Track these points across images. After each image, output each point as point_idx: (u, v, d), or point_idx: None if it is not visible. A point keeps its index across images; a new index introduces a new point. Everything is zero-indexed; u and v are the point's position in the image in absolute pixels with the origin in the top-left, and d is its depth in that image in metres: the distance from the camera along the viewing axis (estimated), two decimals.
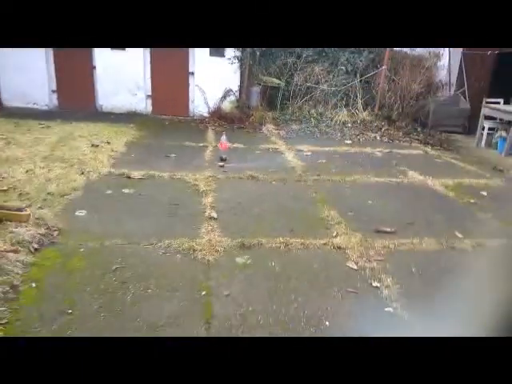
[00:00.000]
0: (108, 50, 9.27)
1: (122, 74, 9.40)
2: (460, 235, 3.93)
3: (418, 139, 8.96)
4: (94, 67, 9.45)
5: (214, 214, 4.12)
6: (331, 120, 9.93)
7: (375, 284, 3.01)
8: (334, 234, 3.82)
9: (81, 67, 9.44)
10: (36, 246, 3.16)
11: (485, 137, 8.90)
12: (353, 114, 10.28)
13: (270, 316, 2.61)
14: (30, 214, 3.47)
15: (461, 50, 10.79)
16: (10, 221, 3.33)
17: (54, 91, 9.58)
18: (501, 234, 4.02)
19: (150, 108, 9.76)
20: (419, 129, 9.88)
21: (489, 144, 8.79)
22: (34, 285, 2.73)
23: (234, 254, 3.38)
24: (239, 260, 3.28)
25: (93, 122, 7.99)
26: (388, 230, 3.95)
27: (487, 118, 8.93)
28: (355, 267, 3.24)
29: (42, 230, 3.40)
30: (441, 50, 11.01)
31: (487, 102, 9.04)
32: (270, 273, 3.13)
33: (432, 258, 3.47)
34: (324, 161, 6.56)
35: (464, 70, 10.59)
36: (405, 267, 3.30)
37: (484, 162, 7.17)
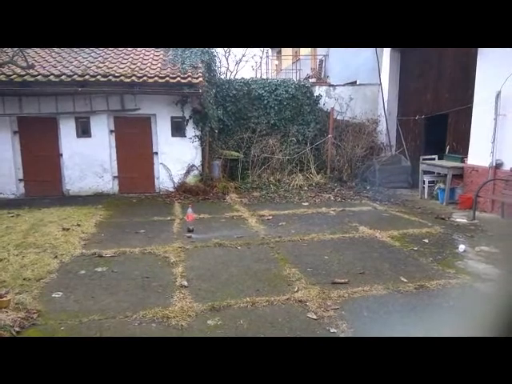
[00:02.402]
0: (74, 137, 9.86)
1: (88, 158, 9.92)
2: (404, 279, 4.47)
3: (367, 196, 9.88)
4: (61, 154, 9.94)
5: (185, 283, 4.46)
6: (288, 185, 10.77)
7: (333, 330, 3.41)
8: (296, 290, 4.24)
9: (47, 155, 9.89)
10: (17, 329, 3.35)
11: (426, 189, 9.95)
12: (307, 178, 11.21)
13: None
14: (10, 300, 3.67)
15: (395, 116, 12.36)
16: None
17: (20, 180, 9.87)
18: (439, 275, 4.60)
19: (116, 188, 10.19)
20: (368, 187, 10.89)
21: (431, 195, 9.81)
22: None
23: (206, 317, 3.70)
24: (210, 322, 3.60)
25: (61, 206, 8.28)
26: (342, 281, 4.43)
27: (426, 172, 10.07)
28: (315, 317, 3.65)
29: (22, 314, 3.59)
30: (378, 117, 12.53)
31: (424, 159, 10.25)
32: (239, 330, 3.46)
33: (381, 302, 3.95)
34: (284, 223, 7.13)
35: (401, 132, 12.04)
36: (358, 312, 3.74)
37: (427, 212, 8.02)
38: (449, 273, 4.67)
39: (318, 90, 12.57)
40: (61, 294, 4.17)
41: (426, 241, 5.96)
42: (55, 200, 8.98)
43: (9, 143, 9.69)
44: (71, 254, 5.37)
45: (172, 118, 10.09)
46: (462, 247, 5.51)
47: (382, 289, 4.22)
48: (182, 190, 10.07)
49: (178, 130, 10.18)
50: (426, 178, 10.00)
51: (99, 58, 10.21)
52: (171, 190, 10.23)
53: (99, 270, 4.89)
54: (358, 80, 14.02)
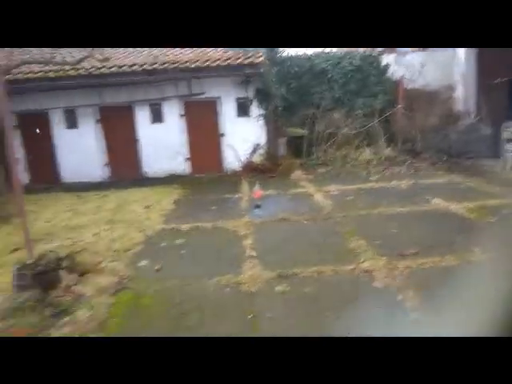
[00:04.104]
0: (148, 123, 10.61)
1: (162, 142, 10.63)
2: (478, 251, 4.28)
3: (443, 168, 9.32)
4: (137, 140, 10.78)
5: (254, 253, 4.73)
6: (355, 160, 10.53)
7: (400, 297, 3.44)
8: (362, 260, 4.29)
9: (126, 141, 10.79)
10: (113, 290, 3.89)
11: (509, 159, 9.11)
12: (376, 152, 10.84)
13: (308, 327, 3.11)
14: (105, 266, 4.25)
15: (474, 81, 11.33)
16: (92, 273, 4.11)
17: (106, 164, 10.93)
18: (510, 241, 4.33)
19: (188, 169, 10.83)
20: (444, 158, 10.23)
21: None
22: (115, 319, 3.41)
23: (274, 284, 3.94)
24: (278, 288, 3.83)
25: (141, 187, 9.08)
26: (411, 251, 4.37)
27: (509, 141, 9.20)
28: (381, 286, 3.69)
29: (116, 279, 4.15)
30: (453, 83, 11.59)
31: (507, 126, 9.36)
32: (305, 297, 3.64)
33: (449, 272, 3.85)
34: (351, 197, 7.09)
35: (480, 98, 11.04)
36: (424, 282, 3.71)
37: (508, 184, 7.40)
38: None
39: (386, 59, 11.93)
40: (146, 262, 4.69)
41: (505, 211, 5.56)
42: (135, 182, 9.84)
43: (93, 131, 10.73)
44: (153, 228, 5.94)
45: (236, 99, 10.36)
46: None
47: (452, 260, 4.10)
48: (249, 168, 10.38)
49: (242, 110, 10.44)
50: (510, 147, 9.15)
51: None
52: (238, 169, 10.60)
53: (178, 242, 5.37)
54: None
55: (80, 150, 10.66)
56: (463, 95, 11.31)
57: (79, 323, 3.24)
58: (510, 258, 3.94)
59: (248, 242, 5.18)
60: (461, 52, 11.29)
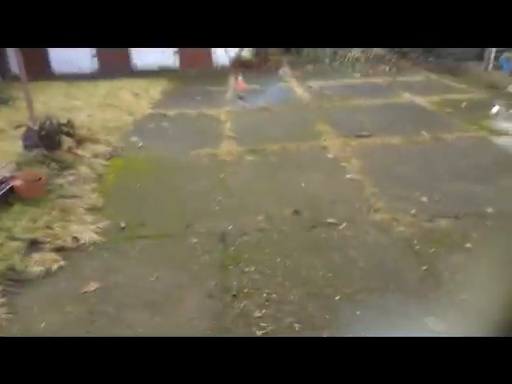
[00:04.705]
0: None
1: None
2: (425, 133, 4.94)
3: (425, 68, 9.54)
4: None
5: (232, 134, 5.37)
6: (344, 57, 10.61)
7: (343, 164, 4.19)
8: (323, 140, 4.96)
9: None
10: (108, 156, 4.59)
11: (492, 60, 9.31)
12: (364, 49, 10.86)
13: (267, 183, 3.89)
14: (100, 137, 4.89)
15: None
16: (88, 142, 4.76)
17: (94, 56, 10.92)
18: (459, 130, 4.98)
19: (177, 63, 10.88)
20: (431, 58, 10.35)
21: (496, 67, 9.21)
22: (111, 175, 4.17)
23: (245, 155, 4.64)
24: (248, 158, 4.55)
25: (131, 78, 9.30)
26: (365, 133, 5.02)
27: None
28: (332, 156, 4.42)
29: (110, 148, 4.82)
30: None
31: None
32: (270, 164, 4.37)
33: (395, 148, 4.56)
34: (329, 92, 7.51)
35: None
36: (369, 154, 4.43)
37: (482, 82, 7.78)
38: (470, 129, 5.02)
39: None
40: (136, 138, 5.33)
41: (464, 104, 6.11)
42: (125, 73, 9.99)
43: None
44: (142, 113, 6.47)
45: None
46: (495, 109, 5.64)
47: (399, 139, 4.78)
48: (237, 64, 10.47)
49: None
50: (491, 49, 9.27)
51: None
52: (227, 64, 10.69)
53: (164, 124, 5.96)
54: None
55: None
56: None
57: (81, 175, 3.99)
58: (446, 142, 4.63)
59: (227, 125, 5.78)
60: None
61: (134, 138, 5.33)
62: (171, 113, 6.49)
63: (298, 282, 2.53)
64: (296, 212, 3.37)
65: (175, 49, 10.71)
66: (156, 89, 8.19)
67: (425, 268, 2.60)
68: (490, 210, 3.26)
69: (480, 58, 10.24)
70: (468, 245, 2.83)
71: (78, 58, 10.75)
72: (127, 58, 10.83)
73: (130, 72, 10.49)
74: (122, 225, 3.26)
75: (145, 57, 10.73)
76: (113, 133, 5.47)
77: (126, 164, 4.51)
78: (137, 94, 7.49)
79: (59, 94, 7.70)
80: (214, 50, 10.73)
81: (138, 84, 8.63)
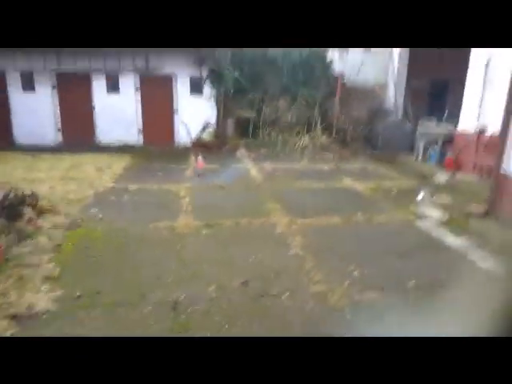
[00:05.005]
0: (105, 92, 11.14)
1: (117, 112, 11.23)
2: (360, 215, 5.63)
3: (364, 157, 10.82)
4: (94, 107, 11.29)
5: (189, 208, 5.78)
6: (295, 144, 11.80)
7: (289, 240, 4.67)
8: (272, 217, 5.49)
9: (82, 108, 11.26)
10: (67, 227, 4.78)
11: (421, 152, 10.78)
12: (313, 138, 12.18)
13: (220, 255, 4.24)
14: (61, 209, 5.10)
15: (404, 81, 12.92)
16: (49, 213, 4.95)
17: (59, 129, 11.35)
18: (389, 213, 5.73)
19: (141, 140, 11.54)
20: (369, 149, 11.77)
21: (425, 158, 10.66)
22: (70, 245, 4.34)
23: (201, 229, 5.02)
24: (204, 232, 4.93)
25: (94, 153, 9.73)
26: (310, 213, 5.63)
27: (423, 136, 10.85)
28: (279, 231, 4.92)
29: (70, 220, 5.03)
30: (387, 82, 13.14)
31: (421, 123, 11.02)
32: (224, 237, 4.77)
33: (333, 227, 5.15)
34: (281, 174, 8.30)
35: (408, 98, 12.66)
36: (312, 232, 4.97)
37: (412, 172, 8.97)
38: (398, 212, 5.80)
39: (331, 55, 13.21)
40: (96, 210, 5.58)
41: (395, 190, 7.03)
42: (89, 148, 10.43)
43: (49, 96, 11.09)
44: (104, 186, 6.79)
45: (191, 78, 11.18)
46: (420, 196, 6.56)
47: (338, 220, 5.41)
48: (198, 144, 11.30)
49: (196, 88, 11.29)
50: (422, 142, 10.80)
51: None
52: (188, 144, 11.49)
53: (125, 197, 6.29)
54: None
55: (35, 113, 11.00)
56: (393, 94, 12.88)
57: (40, 245, 4.14)
58: (377, 223, 5.31)
59: (186, 200, 6.22)
60: (395, 55, 12.80)
61: (94, 210, 5.58)
62: (133, 187, 6.86)
63: None
64: (245, 283, 3.71)
65: (140, 127, 11.43)
66: (119, 164, 8.62)
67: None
68: (410, 282, 3.80)
69: (412, 148, 11.81)
70: (390, 312, 3.28)
71: (42, 131, 11.13)
72: (91, 133, 11.35)
73: (93, 147, 10.94)
74: (78, 293, 3.42)
75: (109, 133, 11.31)
76: (73, 205, 5.70)
77: (84, 235, 4.71)
78: (100, 169, 7.84)
79: (22, 166, 7.89)
80: (176, 130, 11.57)
81: (102, 159, 9.04)
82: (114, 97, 11.18)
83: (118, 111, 11.24)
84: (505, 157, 5.54)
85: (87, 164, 8.30)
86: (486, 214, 5.69)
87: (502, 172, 5.64)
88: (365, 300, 3.48)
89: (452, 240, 4.89)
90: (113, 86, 11.14)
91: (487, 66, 8.53)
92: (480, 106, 8.75)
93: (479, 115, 8.81)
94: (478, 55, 8.90)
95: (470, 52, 9.25)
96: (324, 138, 12.19)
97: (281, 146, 11.62)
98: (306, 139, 12.02)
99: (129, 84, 11.12)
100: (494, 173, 5.77)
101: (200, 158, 8.11)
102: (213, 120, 11.58)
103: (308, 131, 12.44)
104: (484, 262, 4.30)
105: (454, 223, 5.48)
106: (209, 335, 2.18)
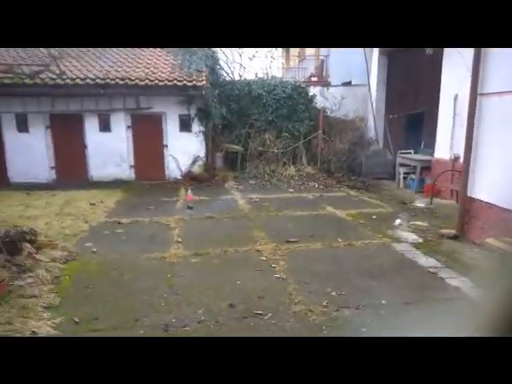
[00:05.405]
0: (97, 131, 11.62)
1: (109, 150, 11.67)
2: (340, 240, 6.02)
3: (348, 185, 11.34)
4: (86, 146, 11.72)
5: (179, 239, 6.12)
6: (281, 175, 12.31)
7: (274, 265, 5.01)
8: (258, 244, 5.85)
9: (74, 146, 11.69)
10: (64, 260, 5.07)
11: (401, 180, 11.36)
12: (299, 169, 12.73)
13: (208, 281, 4.56)
14: (58, 244, 5.40)
15: (383, 114, 13.70)
16: (47, 248, 5.25)
17: (52, 167, 11.72)
18: (367, 238, 6.13)
19: (133, 175, 11.93)
20: (353, 177, 12.32)
21: (406, 185, 11.22)
22: (67, 277, 4.62)
23: (190, 258, 5.35)
24: (193, 260, 5.25)
25: (87, 189, 10.08)
26: (293, 240, 6.01)
27: (402, 165, 11.46)
28: (264, 258, 5.26)
29: (66, 253, 5.32)
30: (367, 115, 13.92)
31: (401, 153, 11.66)
32: (212, 265, 5.09)
33: (315, 252, 5.52)
34: (267, 204, 8.72)
35: (387, 129, 13.40)
36: (295, 257, 5.33)
37: (393, 198, 9.46)
38: (376, 237, 6.20)
39: (313, 90, 14.01)
40: (91, 243, 5.88)
41: (375, 217, 7.47)
42: (82, 184, 10.78)
43: (42, 136, 11.52)
44: (97, 220, 7.11)
45: (180, 115, 11.76)
46: (398, 221, 7.00)
47: (319, 245, 5.79)
48: (188, 177, 11.74)
49: (185, 126, 11.85)
50: (402, 170, 11.40)
51: (118, 63, 11.93)
52: (179, 177, 11.92)
53: (118, 231, 6.60)
54: (352, 80, 15.38)
55: (29, 153, 11.38)
56: (373, 126, 13.62)
57: (39, 277, 4.42)
58: (356, 248, 5.69)
59: (176, 231, 6.55)
60: (373, 89, 13.65)
61: (88, 244, 5.88)
62: (125, 220, 7.19)
63: None
64: (231, 305, 4.02)
65: (131, 163, 11.86)
66: (111, 199, 8.96)
67: None
68: (383, 301, 4.14)
69: (392, 176, 12.40)
70: (363, 329, 3.61)
71: (36, 169, 11.48)
72: (84, 170, 11.73)
73: (86, 183, 11.29)
74: (76, 320, 3.69)
75: (101, 169, 11.70)
76: (69, 239, 6.00)
77: (80, 267, 5.00)
78: (93, 204, 8.17)
79: (17, 203, 8.19)
80: (166, 164, 12.02)
81: (94, 194, 9.38)
82: (106, 135, 11.65)
83: (109, 148, 11.67)
84: (469, 183, 6.04)
85: (80, 200, 8.63)
86: (457, 237, 6.12)
87: (468, 196, 6.12)
88: (341, 317, 3.81)
89: (424, 261, 5.28)
90: (105, 125, 11.62)
91: (455, 99, 9.26)
92: (452, 138, 9.40)
93: (452, 145, 9.44)
94: (447, 90, 9.64)
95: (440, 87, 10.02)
96: (309, 169, 12.75)
97: (268, 177, 12.11)
98: (292, 170, 12.56)
99: (120, 122, 11.63)
100: (460, 198, 6.25)
101: (190, 190, 8.51)
102: (202, 154, 12.08)
103: (294, 162, 13.01)
104: (452, 279, 4.68)
105: (428, 246, 5.89)
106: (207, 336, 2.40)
